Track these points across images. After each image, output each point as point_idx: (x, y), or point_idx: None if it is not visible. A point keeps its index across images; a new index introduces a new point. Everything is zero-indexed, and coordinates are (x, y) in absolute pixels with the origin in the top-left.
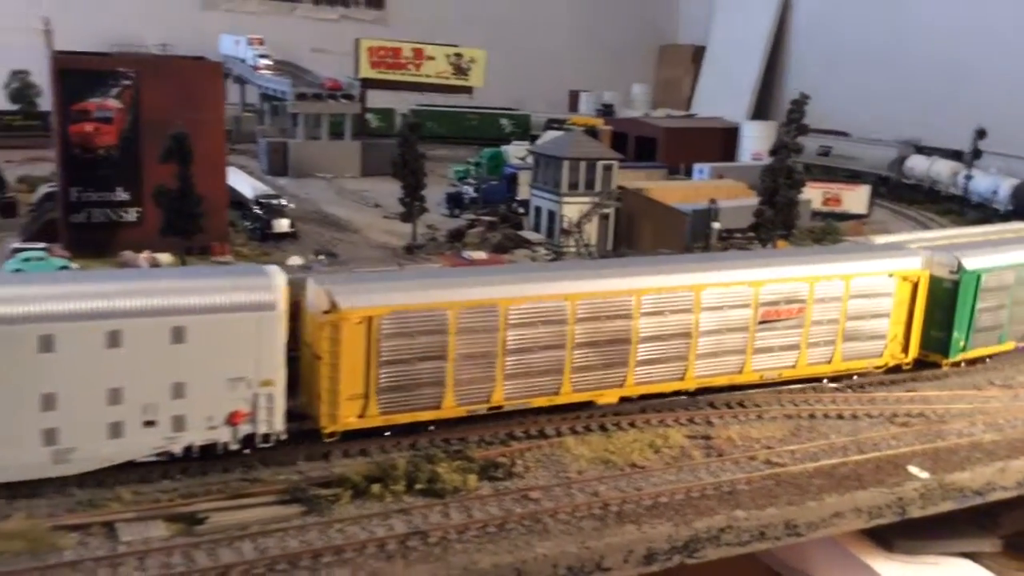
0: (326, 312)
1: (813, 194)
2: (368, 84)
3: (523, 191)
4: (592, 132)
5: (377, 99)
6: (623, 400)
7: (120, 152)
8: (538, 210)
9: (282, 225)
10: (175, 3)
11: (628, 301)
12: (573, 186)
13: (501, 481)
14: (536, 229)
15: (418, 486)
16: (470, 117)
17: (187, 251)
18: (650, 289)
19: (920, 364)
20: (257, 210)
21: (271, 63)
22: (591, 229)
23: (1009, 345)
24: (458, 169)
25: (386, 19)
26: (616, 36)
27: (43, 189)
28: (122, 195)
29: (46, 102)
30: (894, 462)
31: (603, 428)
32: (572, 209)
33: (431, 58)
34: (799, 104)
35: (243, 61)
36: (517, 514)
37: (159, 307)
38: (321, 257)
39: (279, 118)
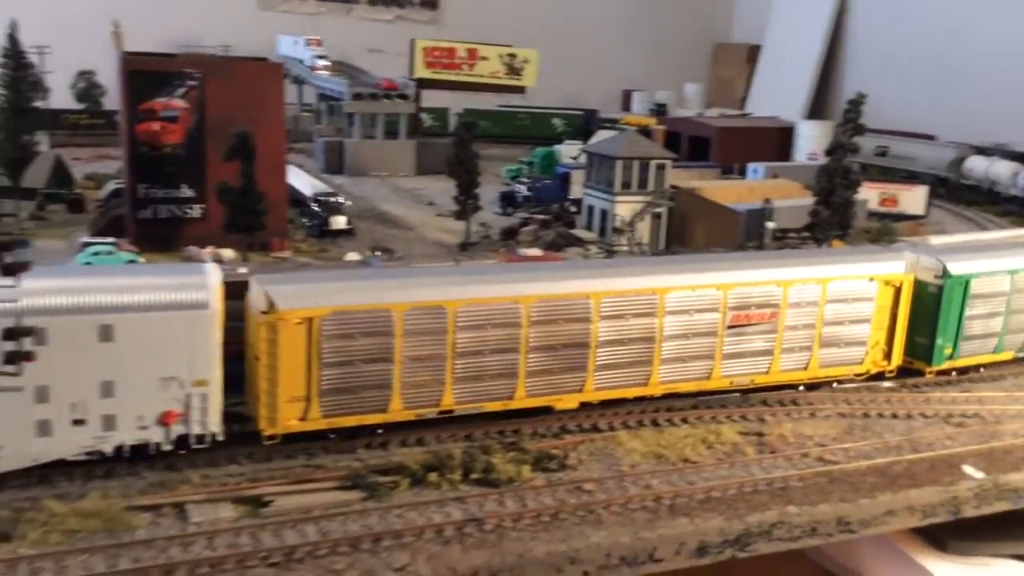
0: (264, 312)
1: (869, 194)
2: (423, 84)
3: (576, 190)
4: (645, 131)
5: (431, 99)
6: (583, 406)
7: (185, 150)
8: (591, 209)
9: (339, 222)
10: (233, 4)
11: (586, 304)
12: (626, 185)
13: (554, 472)
14: (589, 228)
15: (473, 475)
16: (522, 116)
17: (248, 247)
18: (609, 292)
19: (905, 372)
20: (315, 207)
21: (328, 64)
22: (644, 228)
23: (1007, 355)
24: (511, 168)
25: (440, 19)
26: (669, 35)
27: (110, 186)
28: (187, 192)
29: (110, 101)
30: (948, 462)
31: (655, 423)
32: (625, 208)
33: (484, 58)
34: (856, 104)
35: (301, 62)
36: (571, 504)
37: (86, 305)
38: (378, 253)
39: (335, 118)
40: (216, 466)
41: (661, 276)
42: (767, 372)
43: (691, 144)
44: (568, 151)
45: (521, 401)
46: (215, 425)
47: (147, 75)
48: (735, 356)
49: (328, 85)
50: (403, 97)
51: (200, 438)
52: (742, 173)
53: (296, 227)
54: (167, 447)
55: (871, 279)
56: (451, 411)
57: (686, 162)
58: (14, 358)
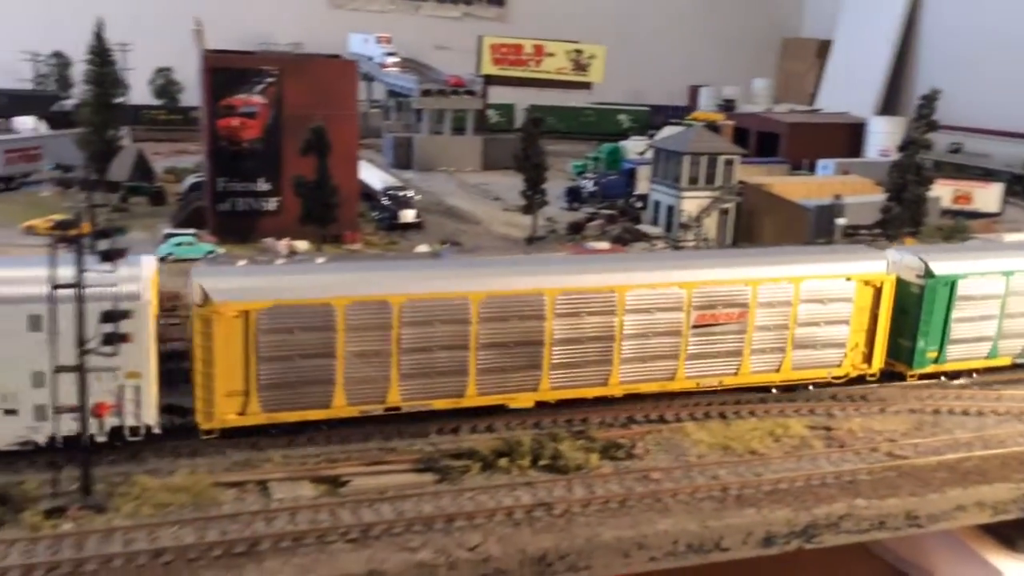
0: (199, 305)
1: (943, 192)
2: (490, 80)
3: (642, 186)
4: (713, 127)
5: (497, 95)
6: (539, 405)
7: (263, 145)
8: (657, 204)
9: (408, 216)
10: (305, 2)
11: (539, 301)
12: (693, 181)
13: (622, 461)
14: (655, 223)
15: (542, 462)
16: (588, 113)
17: (322, 239)
18: (564, 289)
19: (889, 375)
20: (385, 201)
21: (397, 61)
22: (710, 223)
23: (1003, 360)
24: (577, 164)
25: (507, 16)
26: (738, 30)
27: (190, 179)
28: (264, 185)
29: (187, 98)
30: (1021, 459)
31: (722, 416)
32: (691, 204)
33: (551, 54)
34: (930, 99)
35: (371, 59)
36: (638, 492)
37: (16, 295)
38: (447, 245)
39: (403, 114)
40: (296, 447)
41: (620, 274)
42: (736, 374)
43: (760, 140)
44: (634, 147)
45: (472, 399)
46: (150, 418)
47: (227, 72)
48: (701, 356)
49: (397, 82)
50: (470, 93)
51: (134, 430)
52: (811, 169)
53: (367, 220)
54: (101, 439)
55: (848, 279)
56: (398, 408)
57: (754, 158)
58: (111, 339)
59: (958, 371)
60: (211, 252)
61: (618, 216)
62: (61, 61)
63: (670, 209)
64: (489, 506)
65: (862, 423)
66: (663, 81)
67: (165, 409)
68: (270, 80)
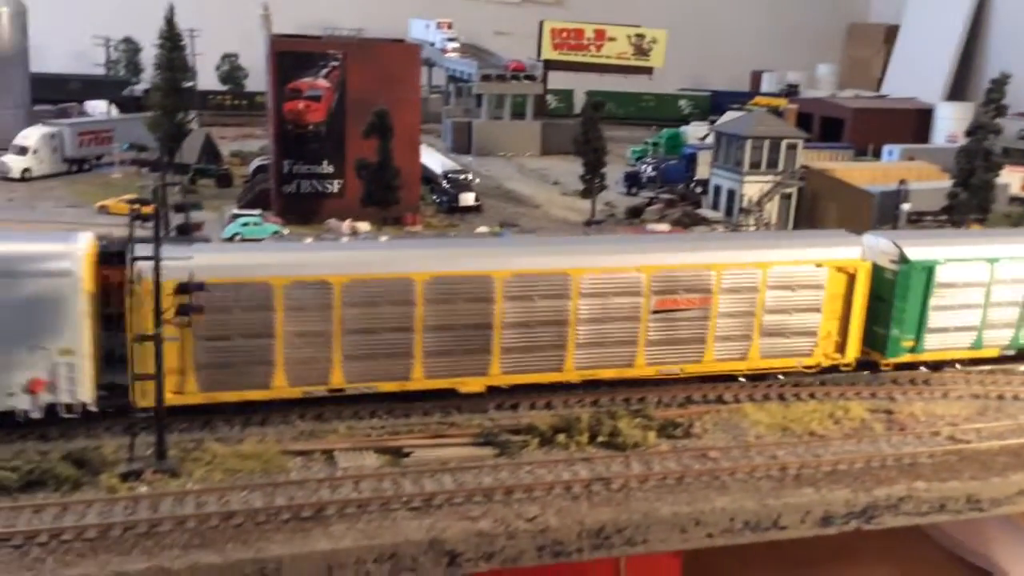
0: (132, 283)
1: (1012, 178)
2: (550, 66)
3: (702, 170)
4: (776, 112)
5: (556, 80)
6: (491, 389)
7: (327, 128)
8: (717, 189)
9: (468, 199)
10: None
11: (487, 283)
12: (755, 165)
13: (679, 439)
14: (715, 208)
15: (600, 439)
16: (648, 98)
17: (383, 221)
18: (515, 272)
19: (864, 365)
20: (445, 184)
21: (458, 46)
22: (771, 208)
23: (990, 351)
24: (636, 149)
25: (567, 1)
26: (801, 14)
27: (255, 162)
28: (327, 168)
29: (251, 83)
30: None
31: (782, 398)
32: (753, 188)
33: (612, 39)
34: (999, 84)
35: (432, 44)
36: (695, 470)
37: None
38: (505, 227)
39: (463, 99)
40: (360, 418)
41: (576, 256)
42: (699, 361)
43: (823, 125)
44: (695, 132)
45: (419, 382)
46: (86, 395)
47: (294, 56)
48: (661, 343)
49: (457, 67)
50: (530, 79)
51: (69, 407)
52: (876, 155)
53: (427, 203)
54: (36, 415)
55: (819, 265)
56: (341, 390)
57: (818, 143)
58: (187, 311)
59: (939, 361)
60: (276, 232)
61: (678, 200)
62: (131, 47)
63: (731, 193)
64: (547, 479)
65: (924, 407)
66: (724, 66)
67: (106, 386)
68: (335, 64)
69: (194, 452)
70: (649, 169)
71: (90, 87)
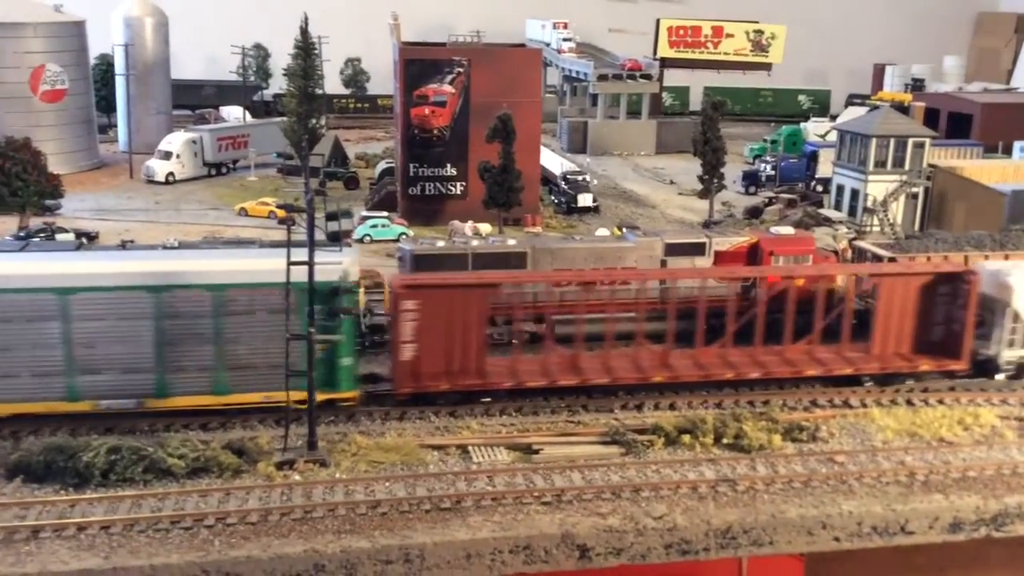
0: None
1: None
2: (666, 63)
3: (823, 169)
4: (901, 108)
5: (671, 77)
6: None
7: (451, 132)
8: (840, 188)
9: (586, 200)
10: None
11: None
12: (880, 164)
13: (805, 443)
14: (837, 207)
15: (725, 440)
16: (765, 94)
17: (504, 222)
18: None
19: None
20: (564, 186)
21: (573, 46)
22: (897, 208)
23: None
24: (754, 147)
25: None
26: (926, 3)
27: (381, 165)
28: (451, 170)
29: (372, 86)
30: None
31: (909, 403)
32: (877, 188)
33: (730, 35)
34: None
35: (547, 44)
36: (822, 474)
37: None
38: (624, 229)
39: (578, 98)
40: (490, 416)
41: None
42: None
43: (950, 121)
44: (815, 129)
45: None
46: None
47: (421, 63)
48: None
49: (574, 67)
50: (647, 77)
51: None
52: (1007, 152)
53: (545, 204)
54: None
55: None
56: None
57: (945, 140)
58: (337, 313)
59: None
60: (404, 234)
61: (798, 200)
62: (260, 52)
63: (854, 193)
64: (674, 479)
65: None
66: (845, 60)
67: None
68: (460, 70)
69: (340, 444)
70: (768, 168)
71: (222, 92)
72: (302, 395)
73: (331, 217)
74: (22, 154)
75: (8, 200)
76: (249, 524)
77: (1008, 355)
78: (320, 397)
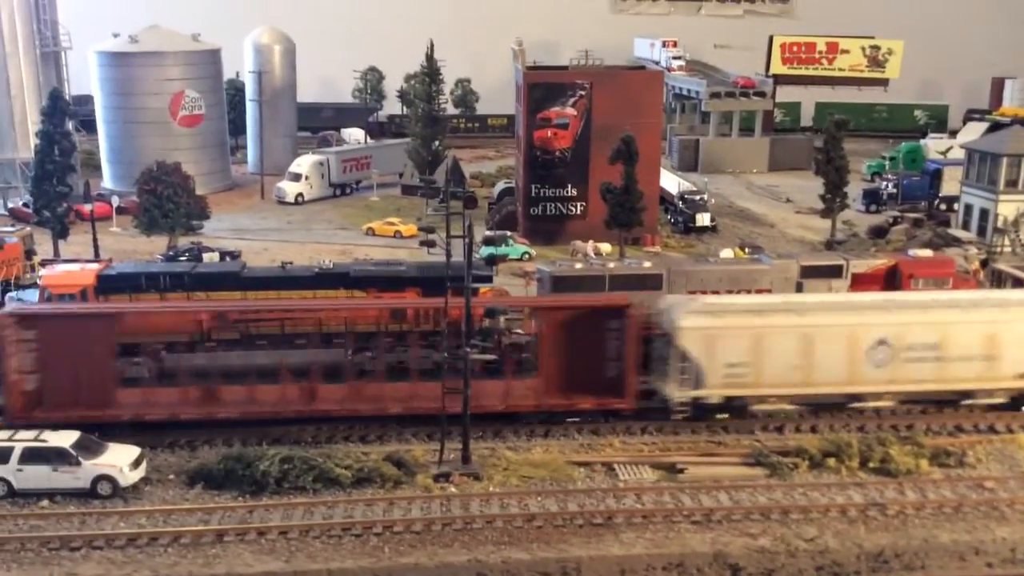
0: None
1: None
2: (779, 80)
3: (948, 187)
4: None
5: (782, 93)
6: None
7: (572, 153)
8: (968, 208)
9: (704, 219)
10: (588, 9)
11: None
12: (1011, 183)
13: (952, 468)
14: (965, 227)
15: (871, 464)
16: (880, 109)
17: (623, 242)
18: None
19: None
20: (681, 205)
21: (683, 64)
22: None
23: None
24: (872, 164)
25: (792, 11)
26: None
27: (500, 184)
28: (571, 191)
29: (481, 106)
30: None
31: None
32: (1009, 208)
33: (845, 51)
34: None
35: (657, 63)
36: (972, 500)
37: None
38: (747, 250)
39: (688, 116)
40: (632, 434)
41: None
42: None
43: None
44: (936, 145)
45: None
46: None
47: (545, 87)
48: None
49: (685, 85)
50: (760, 95)
51: None
52: None
53: (662, 224)
54: None
55: None
56: None
57: None
58: (490, 333)
59: None
60: (526, 253)
61: (925, 220)
62: (376, 75)
63: (983, 213)
64: (822, 502)
65: None
66: (960, 72)
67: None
68: (582, 93)
69: (490, 458)
70: (889, 185)
71: (341, 114)
72: None
73: (488, 242)
74: (173, 178)
75: (161, 222)
76: (414, 533)
77: (679, 395)
78: None
